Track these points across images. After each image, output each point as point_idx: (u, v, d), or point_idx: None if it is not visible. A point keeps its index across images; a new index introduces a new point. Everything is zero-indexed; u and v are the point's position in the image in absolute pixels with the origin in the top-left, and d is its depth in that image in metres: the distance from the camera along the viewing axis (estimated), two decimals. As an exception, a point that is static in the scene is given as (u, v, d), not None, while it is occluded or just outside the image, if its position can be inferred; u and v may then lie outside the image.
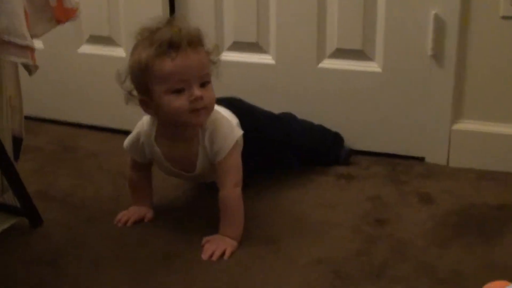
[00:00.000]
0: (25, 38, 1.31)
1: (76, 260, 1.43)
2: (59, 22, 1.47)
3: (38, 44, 2.11)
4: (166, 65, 1.38)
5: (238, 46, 2.00)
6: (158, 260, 1.42)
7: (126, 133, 1.63)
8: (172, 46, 1.38)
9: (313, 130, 1.88)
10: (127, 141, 1.58)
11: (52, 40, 2.08)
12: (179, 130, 1.47)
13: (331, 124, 1.92)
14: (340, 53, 1.91)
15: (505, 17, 1.73)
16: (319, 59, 1.92)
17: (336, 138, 1.90)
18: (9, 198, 1.60)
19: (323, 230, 1.50)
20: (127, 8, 2.06)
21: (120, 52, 2.09)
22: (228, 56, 1.98)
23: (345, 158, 1.88)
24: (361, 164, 1.88)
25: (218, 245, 1.44)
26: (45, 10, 1.43)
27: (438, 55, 1.80)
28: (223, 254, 1.42)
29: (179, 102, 1.39)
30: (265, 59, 1.98)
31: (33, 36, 1.39)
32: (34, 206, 1.58)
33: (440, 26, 1.77)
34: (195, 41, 1.41)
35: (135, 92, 1.46)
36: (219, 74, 1.48)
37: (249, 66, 1.99)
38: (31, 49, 1.34)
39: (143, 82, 1.42)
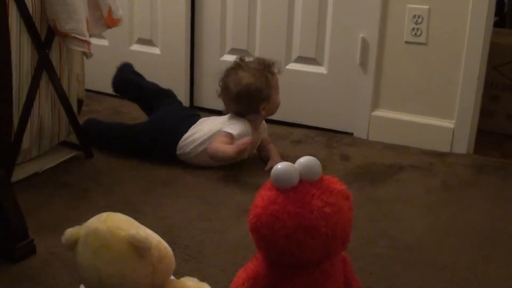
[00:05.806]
0: (85, 35, 1.70)
1: (110, 178, 1.85)
2: (108, 27, 1.84)
3: (104, 42, 2.56)
4: (275, 78, 1.95)
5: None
6: (159, 182, 1.86)
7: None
8: (270, 68, 1.94)
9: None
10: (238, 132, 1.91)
11: (108, 39, 2.53)
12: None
13: (290, 105, 2.30)
14: (301, 59, 2.31)
15: (407, 42, 2.11)
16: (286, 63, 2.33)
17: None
18: (73, 138, 1.98)
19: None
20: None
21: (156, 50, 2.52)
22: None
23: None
24: (309, 135, 2.27)
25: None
26: (100, 19, 1.80)
27: (363, 64, 2.18)
28: None
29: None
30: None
31: (91, 35, 1.78)
32: (89, 145, 1.96)
33: (365, 45, 2.16)
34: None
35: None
36: None
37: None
38: (88, 43, 1.71)
39: (267, 94, 1.92)
